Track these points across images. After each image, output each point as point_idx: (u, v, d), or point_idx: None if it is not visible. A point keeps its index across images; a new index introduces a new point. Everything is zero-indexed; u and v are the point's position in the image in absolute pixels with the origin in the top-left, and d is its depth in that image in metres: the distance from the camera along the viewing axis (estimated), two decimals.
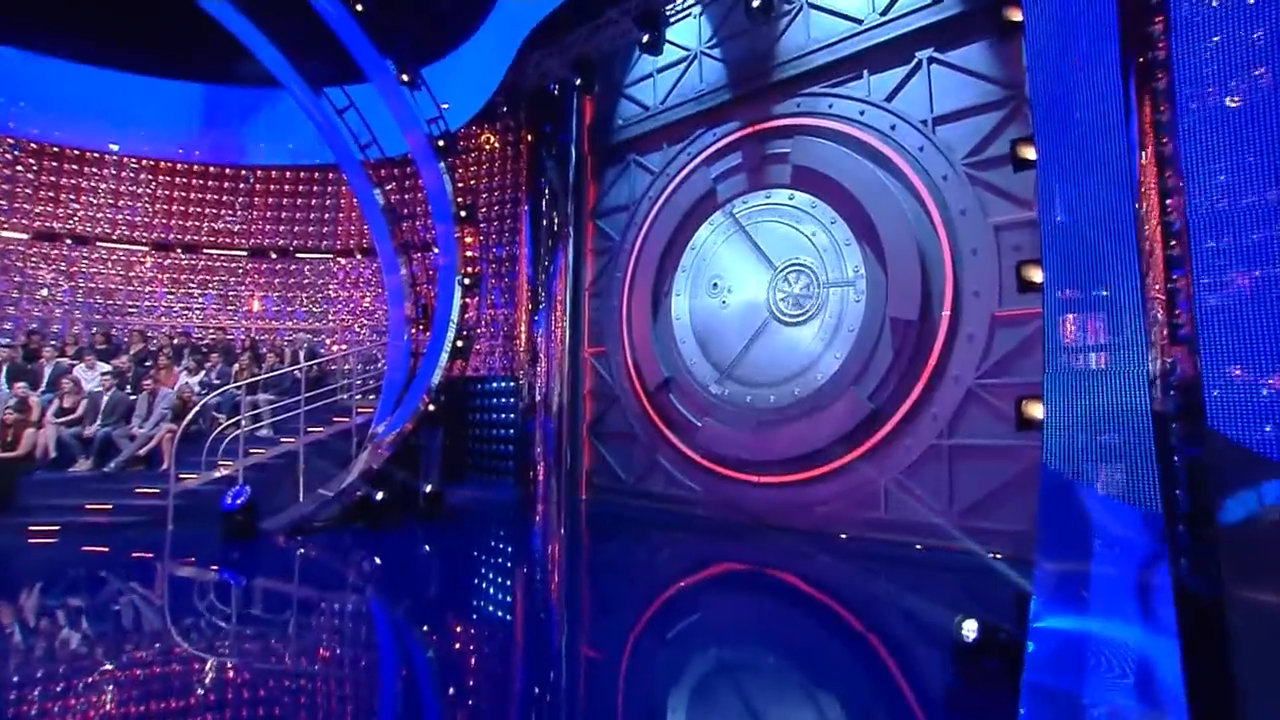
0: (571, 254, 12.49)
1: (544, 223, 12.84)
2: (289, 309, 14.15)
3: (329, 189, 14.71)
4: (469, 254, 11.37)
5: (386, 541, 8.70)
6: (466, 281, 10.75)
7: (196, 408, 9.92)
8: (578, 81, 12.03)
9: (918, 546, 8.03)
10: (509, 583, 7.47)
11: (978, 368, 7.82)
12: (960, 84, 8.21)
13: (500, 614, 6.40)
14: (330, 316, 14.36)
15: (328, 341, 13.95)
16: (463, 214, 10.89)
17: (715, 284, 10.40)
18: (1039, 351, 7.61)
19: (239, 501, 8.34)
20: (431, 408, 9.98)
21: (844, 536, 8.59)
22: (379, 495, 9.07)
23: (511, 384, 13.22)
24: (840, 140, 9.09)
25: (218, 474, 9.08)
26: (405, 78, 10.63)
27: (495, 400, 13.61)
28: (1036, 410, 5.16)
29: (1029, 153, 5.80)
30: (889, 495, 8.41)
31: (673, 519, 10.29)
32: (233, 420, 9.63)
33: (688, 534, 9.57)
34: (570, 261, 12.33)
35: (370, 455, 9.45)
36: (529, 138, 13.45)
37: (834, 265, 9.04)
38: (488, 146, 13.87)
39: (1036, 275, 5.77)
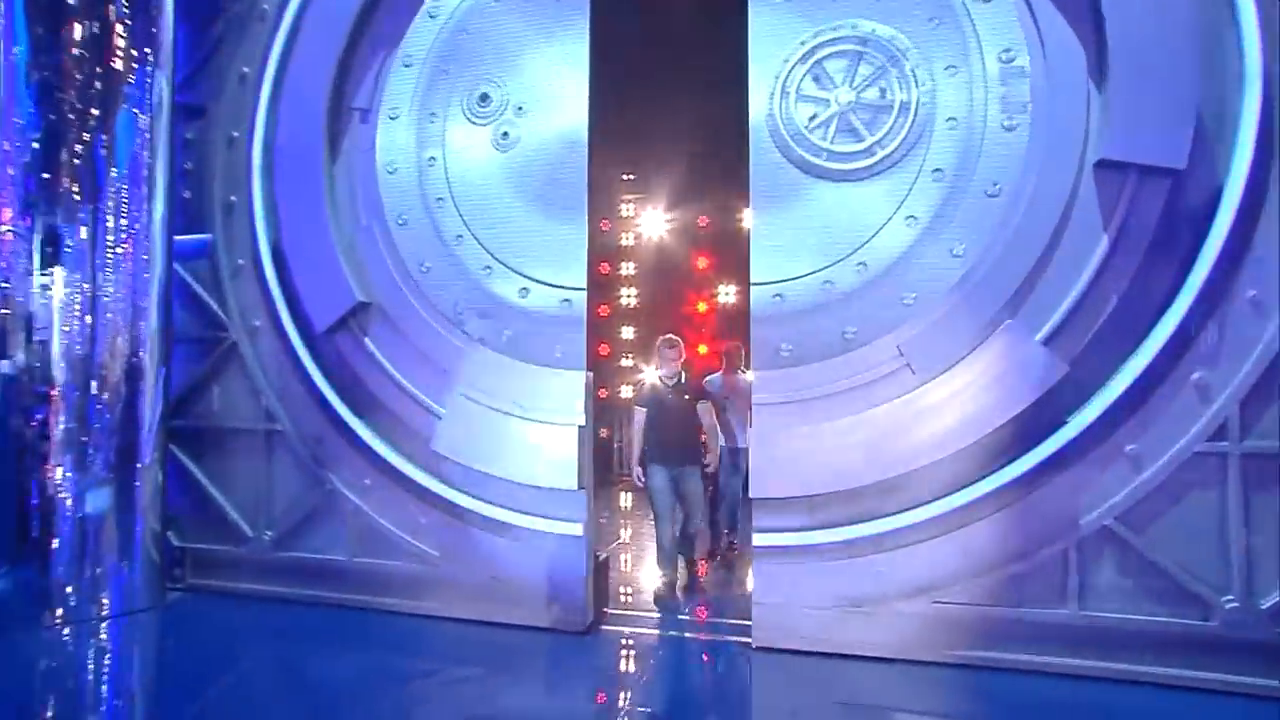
0: (171, 24, 6.01)
1: None
2: None
3: None
4: None
5: None
6: None
7: None
8: None
9: (1169, 676, 3.99)
10: None
11: None
12: None
13: None
14: None
15: None
16: None
17: (485, 97, 5.22)
18: None
19: None
20: None
21: (959, 664, 4.27)
22: None
23: None
24: None
25: None
26: None
27: None
28: None
29: None
30: (1088, 569, 4.23)
31: (372, 631, 5.00)
32: None
33: (437, 680, 4.31)
34: (170, 45, 5.84)
35: None
36: None
37: (949, 47, 4.46)
38: None
39: None
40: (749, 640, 4.57)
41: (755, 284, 4.59)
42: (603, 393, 10.89)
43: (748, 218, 11.58)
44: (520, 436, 4.95)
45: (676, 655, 4.76)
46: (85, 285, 5.08)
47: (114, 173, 5.17)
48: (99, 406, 5.11)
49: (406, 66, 5.45)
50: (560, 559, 4.90)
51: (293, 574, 5.49)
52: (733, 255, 11.12)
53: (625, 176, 11.77)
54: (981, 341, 4.25)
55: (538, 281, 5.05)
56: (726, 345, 7.07)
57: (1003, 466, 4.21)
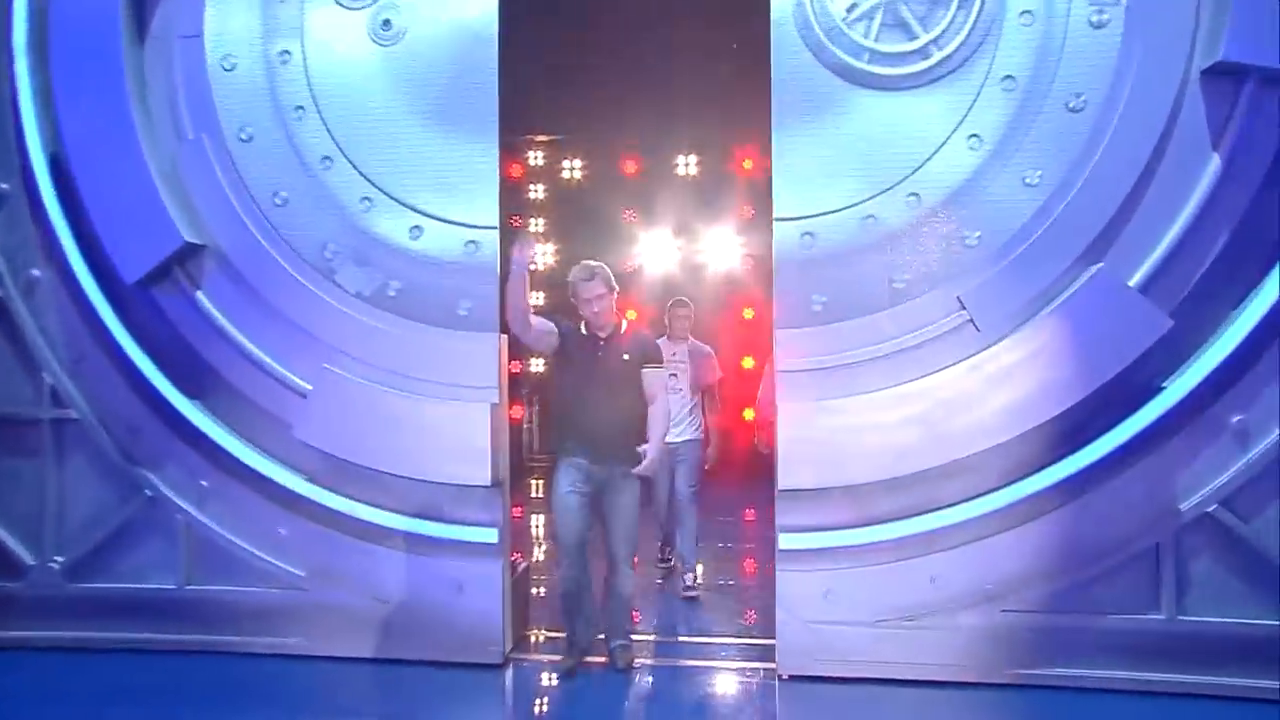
0: None
1: None
2: None
3: None
4: None
5: None
6: None
7: None
8: None
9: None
10: None
11: None
12: None
13: None
14: None
15: None
16: None
17: None
18: None
19: None
20: None
21: (1033, 686, 3.53)
22: None
23: None
24: None
25: None
26: None
27: None
28: None
29: None
30: (1186, 565, 3.55)
31: (216, 680, 3.86)
32: None
33: None
34: None
35: None
36: None
37: None
38: None
39: None
40: (772, 666, 3.78)
41: (779, 219, 3.68)
42: (515, 366, 9.50)
43: (684, 164, 10.60)
44: (413, 419, 3.89)
45: (649, 692, 3.85)
46: None
47: None
48: None
49: None
50: (468, 573, 3.90)
51: (97, 612, 4.16)
52: (667, 206, 9.76)
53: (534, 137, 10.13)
54: (1063, 290, 3.50)
55: (434, 218, 3.96)
56: (671, 302, 5.56)
57: (1085, 445, 3.49)
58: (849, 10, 3.64)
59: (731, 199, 9.69)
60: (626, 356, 3.85)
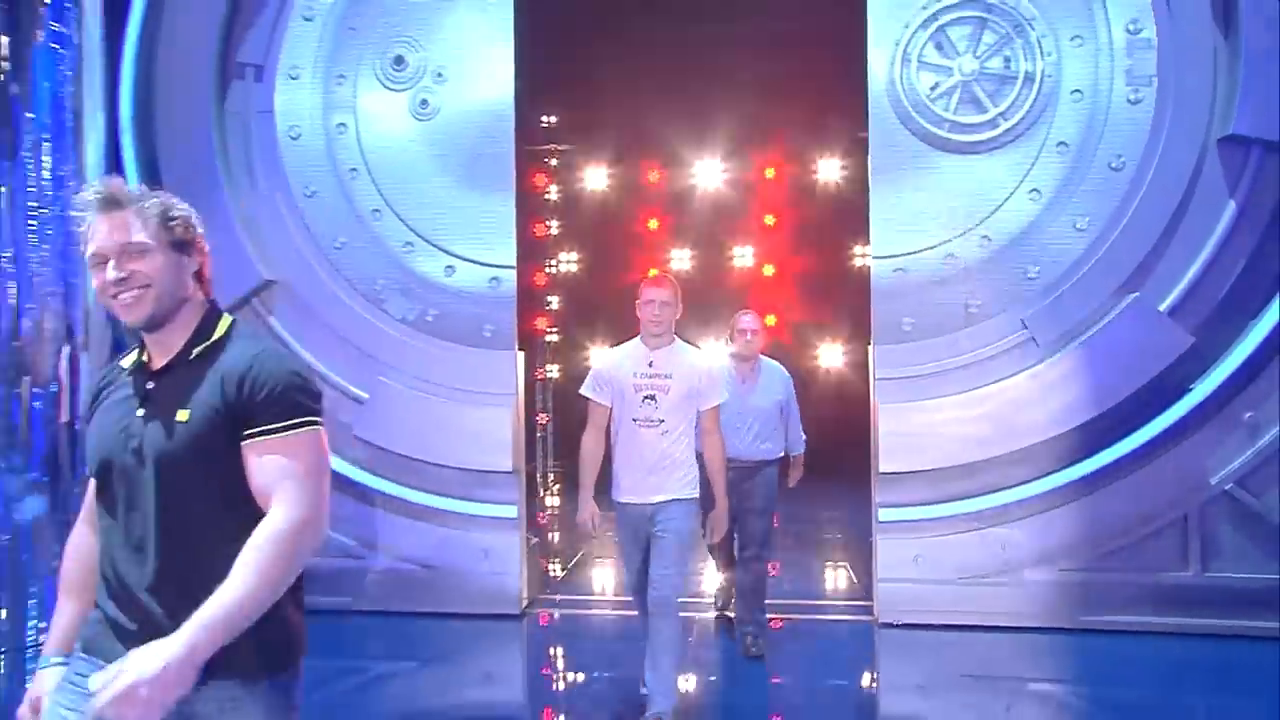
0: None
1: None
2: None
3: None
4: None
5: None
6: None
7: None
8: None
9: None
10: None
11: None
12: None
13: None
14: None
15: None
16: None
17: (400, 60, 4.99)
18: None
19: None
20: None
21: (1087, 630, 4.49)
22: None
23: None
24: None
25: None
26: None
27: None
28: None
29: None
30: (1209, 532, 4.51)
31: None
32: None
33: None
34: None
35: None
36: None
37: (1075, 17, 4.47)
38: None
39: None
40: (870, 618, 4.80)
41: (877, 257, 4.71)
42: (540, 374, 9.94)
43: (702, 173, 10.18)
44: (449, 419, 4.92)
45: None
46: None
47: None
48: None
49: (307, 20, 5.10)
50: (492, 543, 4.90)
51: None
52: (687, 216, 9.93)
53: (544, 120, 9.73)
54: (1106, 314, 4.50)
55: (463, 259, 4.99)
56: (642, 282, 3.63)
57: (1127, 435, 4.48)
58: (932, 89, 4.65)
59: (753, 207, 9.78)
60: (184, 415, 1.49)
